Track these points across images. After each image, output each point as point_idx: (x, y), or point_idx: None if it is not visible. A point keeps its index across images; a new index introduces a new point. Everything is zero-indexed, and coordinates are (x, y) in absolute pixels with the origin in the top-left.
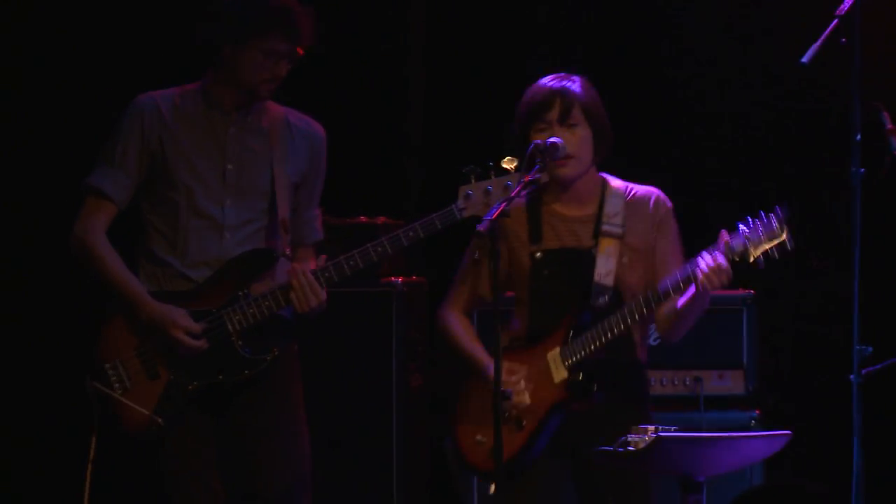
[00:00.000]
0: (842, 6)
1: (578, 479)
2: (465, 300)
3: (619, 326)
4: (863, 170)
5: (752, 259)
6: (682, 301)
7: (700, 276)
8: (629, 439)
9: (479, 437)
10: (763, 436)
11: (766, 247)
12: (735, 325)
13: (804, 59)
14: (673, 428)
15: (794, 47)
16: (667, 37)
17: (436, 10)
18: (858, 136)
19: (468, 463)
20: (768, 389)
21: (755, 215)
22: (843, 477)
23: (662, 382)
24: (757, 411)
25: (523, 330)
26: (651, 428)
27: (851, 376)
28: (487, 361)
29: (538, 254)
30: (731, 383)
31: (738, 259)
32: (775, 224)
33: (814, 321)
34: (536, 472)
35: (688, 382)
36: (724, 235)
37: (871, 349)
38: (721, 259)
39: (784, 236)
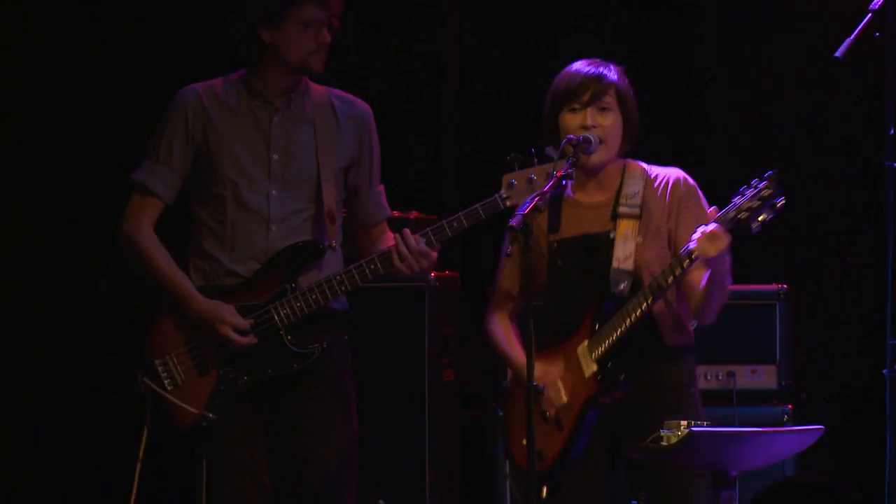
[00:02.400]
0: (875, 1)
1: (633, 473)
2: (502, 301)
3: (638, 310)
4: None
5: (746, 222)
6: (702, 280)
7: (693, 245)
8: (662, 434)
9: (524, 442)
10: (796, 430)
11: (757, 208)
12: (768, 319)
13: (838, 54)
14: (705, 423)
15: (828, 42)
16: (699, 32)
17: (470, 3)
18: (892, 130)
19: (519, 467)
20: (801, 384)
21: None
22: (875, 471)
23: None
24: (790, 406)
25: (549, 324)
26: (683, 423)
27: (884, 371)
28: (520, 365)
29: (555, 244)
30: (764, 378)
31: (734, 225)
32: (762, 185)
33: (847, 316)
34: (581, 465)
35: (721, 377)
36: (714, 210)
37: None
38: (714, 226)
39: (771, 193)
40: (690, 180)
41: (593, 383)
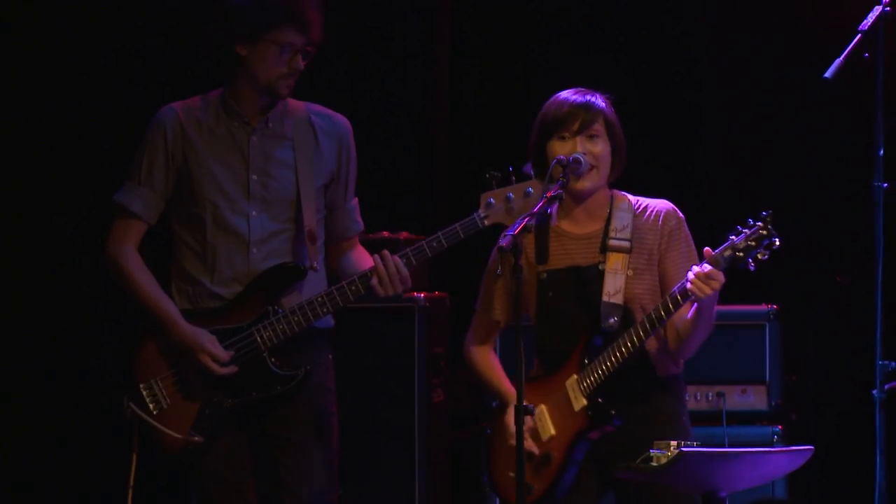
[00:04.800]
0: (864, 21)
1: (622, 497)
2: (484, 328)
3: (629, 346)
4: (885, 184)
5: (742, 261)
6: (687, 316)
7: (689, 285)
8: (652, 454)
9: (510, 474)
10: (786, 451)
11: (752, 248)
12: (758, 340)
13: (827, 75)
14: (695, 443)
15: (818, 62)
16: (688, 58)
17: (460, 24)
18: (881, 151)
19: (505, 499)
20: (791, 405)
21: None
22: (865, 492)
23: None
24: (779, 426)
25: (538, 354)
26: (674, 443)
27: (874, 391)
28: (512, 394)
29: (543, 274)
30: (754, 398)
31: (729, 264)
32: (758, 225)
33: (837, 336)
34: (572, 496)
35: (711, 397)
36: (709, 251)
37: (893, 364)
38: (708, 267)
39: (767, 233)
40: (679, 213)
41: (583, 418)
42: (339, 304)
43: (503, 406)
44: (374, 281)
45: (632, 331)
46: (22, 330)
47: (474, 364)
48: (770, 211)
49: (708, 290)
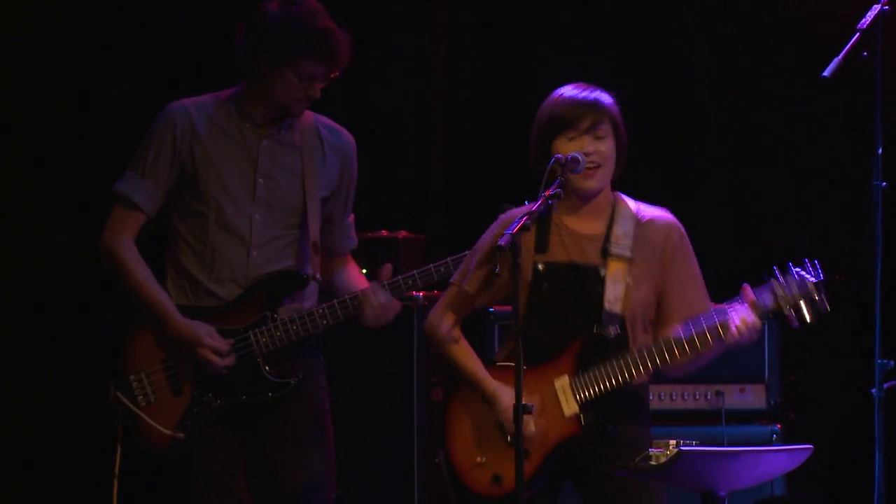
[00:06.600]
0: (863, 20)
1: (588, 497)
2: (459, 303)
3: (640, 370)
4: (884, 183)
5: (784, 314)
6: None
7: (734, 330)
8: (650, 454)
9: (478, 459)
10: (785, 450)
11: (801, 304)
12: (757, 339)
13: (826, 73)
14: (694, 442)
15: (816, 61)
16: (685, 57)
17: (457, 23)
18: (880, 150)
19: (463, 484)
20: (789, 403)
21: (780, 263)
22: (864, 491)
23: (684, 396)
24: (778, 425)
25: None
26: (672, 442)
27: (873, 390)
28: (493, 384)
29: (541, 265)
30: (753, 397)
31: (769, 315)
32: (809, 284)
33: (835, 335)
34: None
35: (709, 396)
36: (749, 292)
37: (892, 363)
38: (753, 318)
39: (818, 297)
40: (681, 227)
41: (574, 425)
42: (339, 317)
43: (482, 393)
44: (368, 308)
45: (647, 353)
46: (12, 318)
47: (448, 342)
48: (820, 270)
49: (749, 340)
